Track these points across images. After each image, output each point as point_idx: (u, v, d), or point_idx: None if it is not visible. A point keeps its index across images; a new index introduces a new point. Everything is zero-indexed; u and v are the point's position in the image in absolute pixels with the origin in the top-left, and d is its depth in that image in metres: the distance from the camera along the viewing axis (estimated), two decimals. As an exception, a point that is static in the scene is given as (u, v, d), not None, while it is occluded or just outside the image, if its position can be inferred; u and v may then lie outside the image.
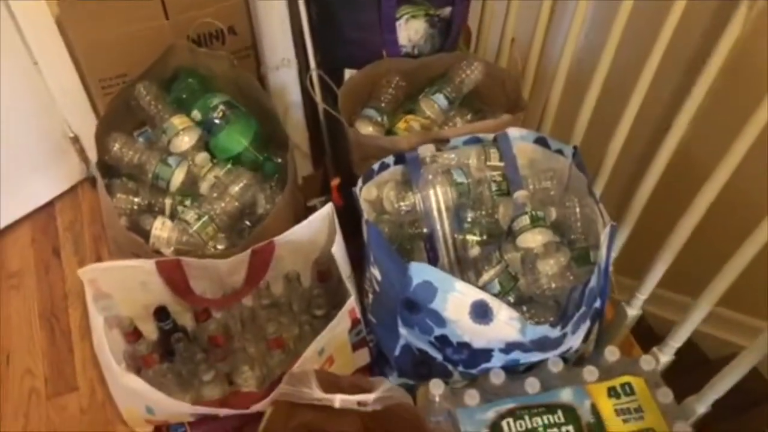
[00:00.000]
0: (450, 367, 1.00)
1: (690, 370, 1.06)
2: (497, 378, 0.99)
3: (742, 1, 0.84)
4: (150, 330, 1.13)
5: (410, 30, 1.21)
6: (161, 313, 1.07)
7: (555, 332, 0.91)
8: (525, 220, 0.97)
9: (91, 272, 0.98)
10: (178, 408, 0.93)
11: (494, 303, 0.88)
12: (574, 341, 0.99)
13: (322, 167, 1.45)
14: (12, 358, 1.28)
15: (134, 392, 0.92)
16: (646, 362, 1.01)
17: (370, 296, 1.04)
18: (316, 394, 0.84)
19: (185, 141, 1.10)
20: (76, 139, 1.47)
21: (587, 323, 1.00)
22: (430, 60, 1.22)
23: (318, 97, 1.20)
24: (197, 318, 1.13)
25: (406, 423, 0.89)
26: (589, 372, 0.99)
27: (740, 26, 0.85)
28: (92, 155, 1.48)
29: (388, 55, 1.21)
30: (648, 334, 1.34)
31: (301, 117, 1.39)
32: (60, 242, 1.46)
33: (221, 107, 1.12)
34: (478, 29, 1.39)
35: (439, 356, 0.99)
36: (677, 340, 1.04)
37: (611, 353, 1.01)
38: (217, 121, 1.12)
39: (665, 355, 1.07)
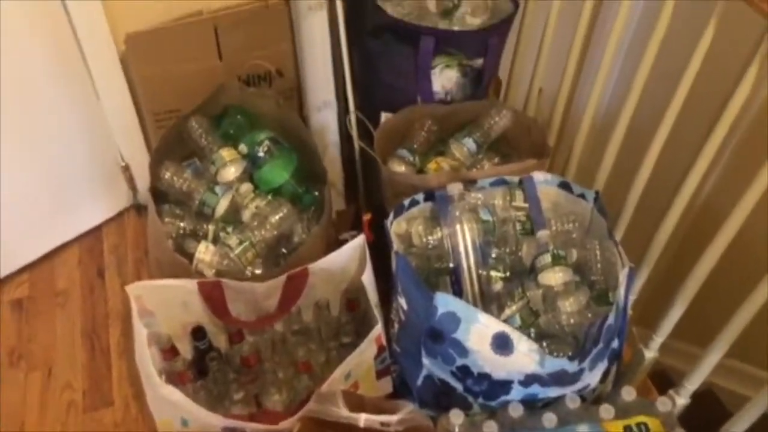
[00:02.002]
0: (470, 398, 1.04)
1: (714, 426, 1.07)
2: (515, 411, 1.02)
3: (753, 63, 0.90)
4: (185, 350, 1.19)
5: (444, 78, 1.29)
6: (198, 333, 1.13)
7: (573, 366, 0.94)
8: (547, 258, 1.02)
9: (138, 289, 1.05)
10: (211, 421, 0.98)
11: (515, 335, 0.92)
12: (592, 378, 1.02)
13: (354, 203, 1.52)
14: (54, 371, 1.35)
15: (172, 404, 0.97)
16: (663, 404, 1.03)
17: (396, 326, 1.09)
18: (343, 412, 0.89)
19: (231, 172, 1.18)
20: (126, 168, 1.57)
21: (605, 362, 1.03)
22: (461, 106, 1.30)
23: (355, 135, 1.27)
24: (231, 340, 1.19)
25: (426, 446, 0.93)
26: (606, 410, 1.02)
27: (750, 85, 0.91)
28: (140, 183, 1.58)
29: (422, 100, 1.29)
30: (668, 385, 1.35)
31: (337, 156, 1.47)
32: (105, 264, 1.54)
33: (266, 142, 1.21)
34: (508, 79, 1.47)
35: (459, 387, 1.03)
36: (693, 382, 1.06)
37: (628, 393, 1.03)
38: (261, 154, 1.20)
39: (681, 398, 1.09)
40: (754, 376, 1.57)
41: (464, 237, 1.08)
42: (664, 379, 1.39)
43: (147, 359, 0.98)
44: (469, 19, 1.27)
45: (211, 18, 1.34)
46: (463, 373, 0.99)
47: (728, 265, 1.05)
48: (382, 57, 1.28)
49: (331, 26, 1.32)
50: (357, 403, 0.91)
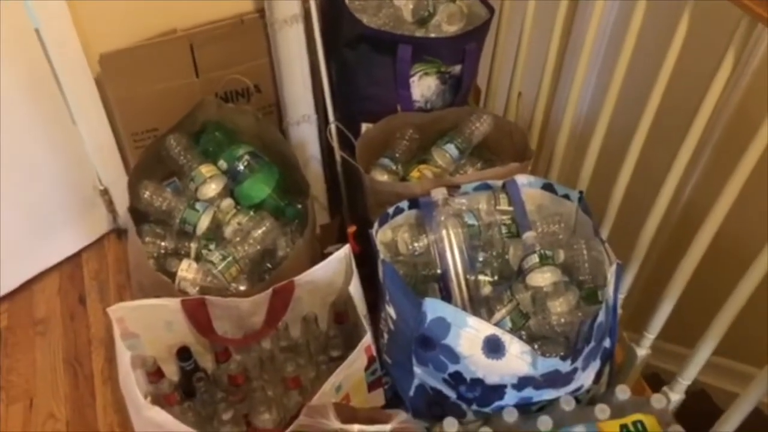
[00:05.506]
0: (464, 406, 1.02)
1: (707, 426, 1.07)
2: (510, 416, 1.00)
3: (724, 60, 0.91)
4: (171, 371, 1.16)
5: (423, 86, 1.29)
6: (184, 353, 1.11)
7: (565, 366, 0.93)
8: (534, 258, 1.01)
9: (119, 310, 1.02)
10: (199, 441, 0.95)
11: (506, 337, 0.91)
12: (585, 379, 1.01)
13: (338, 217, 1.51)
14: (36, 402, 1.31)
15: (159, 426, 0.94)
16: (657, 401, 1.02)
17: (385, 336, 1.07)
18: (335, 424, 0.87)
19: (212, 188, 1.17)
20: (105, 192, 1.55)
21: (597, 361, 1.02)
22: (441, 114, 1.29)
23: (336, 146, 1.27)
24: (217, 359, 1.16)
25: (421, 456, 0.91)
26: (601, 410, 1.00)
27: (726, 77, 0.92)
28: (120, 207, 1.56)
29: (402, 109, 1.29)
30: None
31: (319, 169, 1.47)
32: (86, 290, 1.51)
33: (246, 157, 1.20)
34: (487, 85, 1.48)
35: (452, 395, 1.01)
36: (686, 377, 1.06)
37: (622, 392, 1.02)
38: (241, 170, 1.19)
39: (676, 393, 1.08)
40: (745, 373, 1.56)
41: (450, 242, 1.07)
42: (657, 382, 1.38)
43: (131, 381, 0.96)
44: (445, 26, 1.27)
45: (186, 35, 1.33)
46: (456, 379, 0.98)
47: (716, 260, 1.05)
48: (360, 67, 1.28)
49: (307, 39, 1.31)
50: (349, 415, 0.89)
